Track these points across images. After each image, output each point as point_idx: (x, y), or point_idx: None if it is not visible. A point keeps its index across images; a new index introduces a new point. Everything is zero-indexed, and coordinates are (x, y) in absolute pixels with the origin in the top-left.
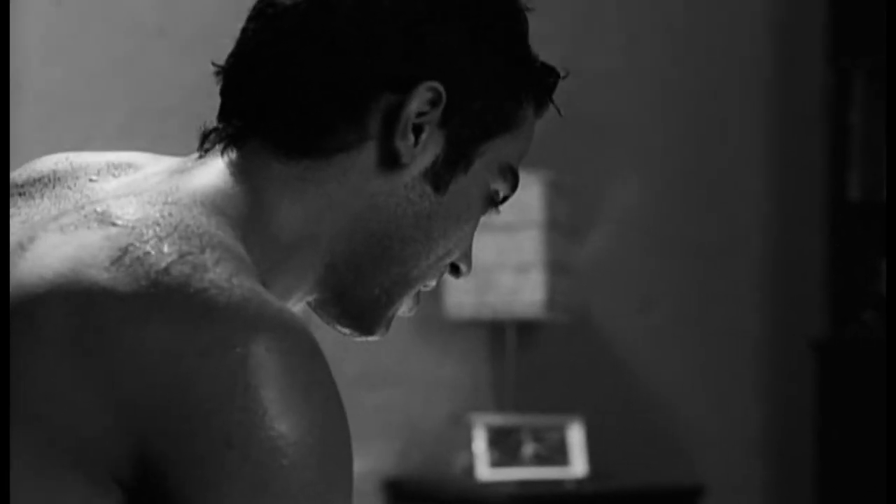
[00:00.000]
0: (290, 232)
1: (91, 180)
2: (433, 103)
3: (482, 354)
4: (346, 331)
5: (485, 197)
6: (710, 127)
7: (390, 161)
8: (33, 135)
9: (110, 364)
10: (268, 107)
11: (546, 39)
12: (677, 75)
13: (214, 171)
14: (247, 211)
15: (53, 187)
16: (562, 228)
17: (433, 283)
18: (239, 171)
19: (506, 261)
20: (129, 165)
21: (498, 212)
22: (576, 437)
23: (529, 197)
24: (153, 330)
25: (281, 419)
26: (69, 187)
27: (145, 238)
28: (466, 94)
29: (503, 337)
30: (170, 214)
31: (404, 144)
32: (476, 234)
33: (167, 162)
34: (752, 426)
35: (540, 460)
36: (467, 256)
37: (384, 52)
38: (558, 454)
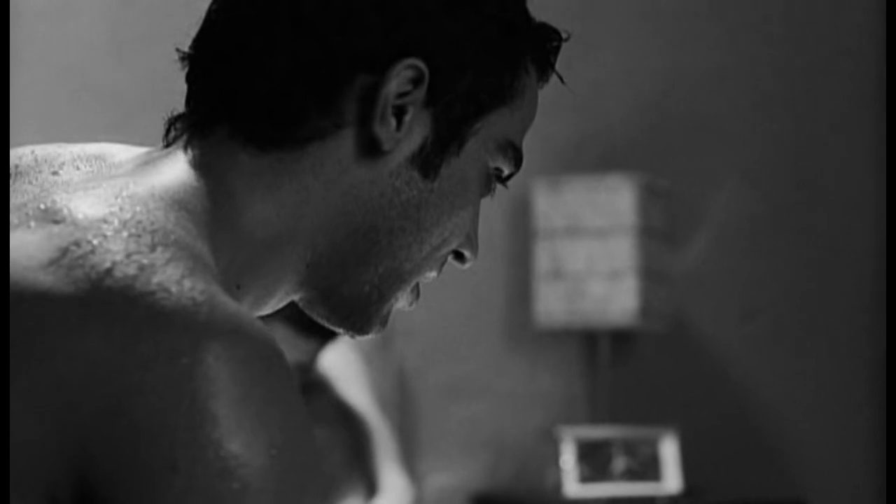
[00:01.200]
0: (264, 229)
1: (54, 174)
2: (415, 82)
3: (573, 365)
4: (339, 330)
5: (483, 178)
6: (815, 128)
7: (371, 149)
8: (102, 138)
9: (49, 373)
10: (234, 93)
11: (643, 37)
12: (781, 73)
13: (180, 162)
14: (214, 206)
15: (13, 182)
16: (656, 234)
17: (433, 274)
18: (205, 162)
19: (597, 268)
20: (98, 157)
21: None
22: (669, 450)
23: (621, 201)
24: (94, 337)
25: (232, 438)
26: (30, 182)
27: (89, 236)
28: (454, 67)
29: (595, 347)
30: (121, 210)
31: (385, 130)
32: (566, 239)
33: (133, 152)
34: (860, 438)
35: (631, 475)
36: (471, 241)
37: (356, 29)
38: (651, 469)
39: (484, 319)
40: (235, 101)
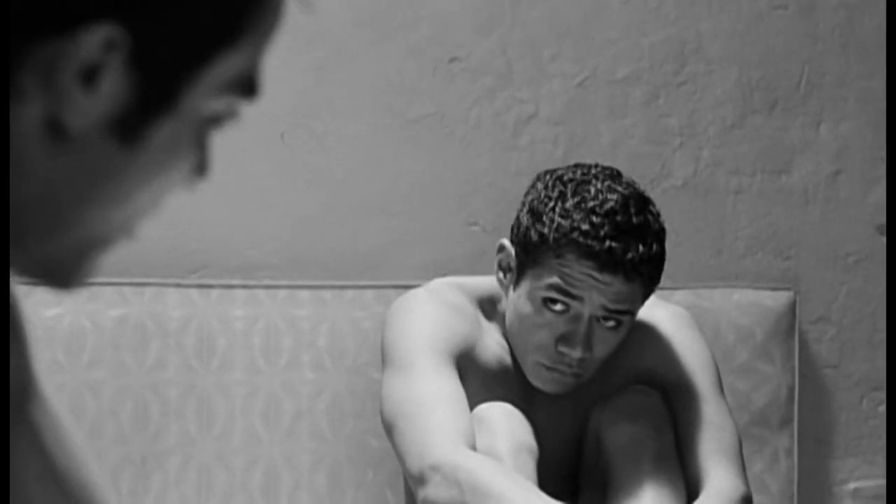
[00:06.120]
0: None
1: None
2: (109, 46)
3: None
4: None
5: (204, 124)
6: None
7: (52, 125)
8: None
9: None
10: None
11: None
12: None
13: None
14: None
15: None
16: None
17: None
18: None
19: None
20: None
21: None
22: None
23: None
24: None
25: None
26: None
27: None
28: (160, 18)
29: None
30: None
31: (68, 107)
32: None
33: None
34: None
35: None
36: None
37: None
38: None
39: None
40: None
